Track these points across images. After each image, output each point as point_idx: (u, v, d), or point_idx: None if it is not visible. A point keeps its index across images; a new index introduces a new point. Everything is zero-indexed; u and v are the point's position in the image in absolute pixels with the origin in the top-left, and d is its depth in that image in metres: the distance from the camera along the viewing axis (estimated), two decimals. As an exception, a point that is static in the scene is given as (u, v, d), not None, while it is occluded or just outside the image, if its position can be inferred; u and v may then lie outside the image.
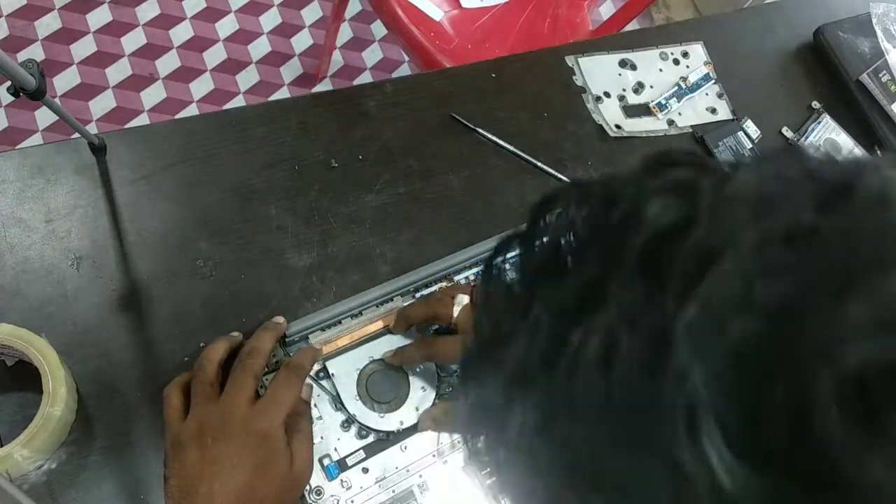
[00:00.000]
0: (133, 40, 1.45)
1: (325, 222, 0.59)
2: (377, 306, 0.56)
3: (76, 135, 0.53)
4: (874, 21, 0.87)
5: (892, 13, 0.88)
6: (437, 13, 1.10)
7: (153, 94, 1.42)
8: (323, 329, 0.54)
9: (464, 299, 0.52)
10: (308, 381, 0.51)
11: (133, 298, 0.53)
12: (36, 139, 1.32)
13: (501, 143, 0.67)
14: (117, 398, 0.50)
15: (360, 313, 0.55)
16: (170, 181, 0.57)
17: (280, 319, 0.53)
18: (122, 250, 0.54)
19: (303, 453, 0.47)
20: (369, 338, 0.55)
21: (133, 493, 0.48)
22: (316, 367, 0.53)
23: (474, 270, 0.60)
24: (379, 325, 0.55)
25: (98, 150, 0.55)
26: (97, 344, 0.51)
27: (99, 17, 1.45)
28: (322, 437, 0.51)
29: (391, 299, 0.56)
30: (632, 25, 1.18)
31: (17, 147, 1.07)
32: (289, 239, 0.58)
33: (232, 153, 0.60)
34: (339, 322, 0.54)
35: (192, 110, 1.44)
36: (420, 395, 0.54)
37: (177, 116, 1.41)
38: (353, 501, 0.50)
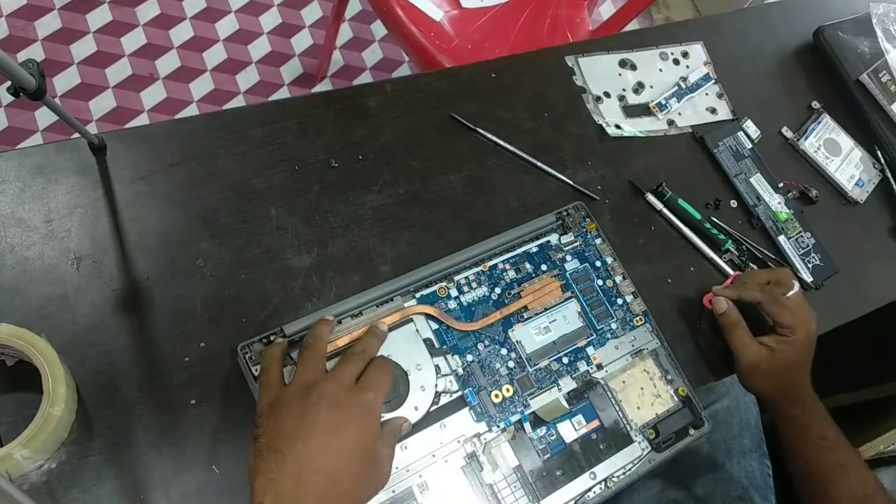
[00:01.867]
0: (133, 40, 1.45)
1: (325, 222, 0.59)
2: (377, 306, 0.56)
3: (76, 135, 0.53)
4: (874, 21, 0.87)
5: (892, 13, 0.88)
6: (437, 13, 1.10)
7: (153, 94, 1.42)
8: None
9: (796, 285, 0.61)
10: (407, 418, 0.52)
11: (133, 298, 0.53)
12: (36, 139, 1.32)
13: (501, 142, 0.67)
14: (117, 398, 0.50)
15: (361, 313, 0.55)
16: (170, 181, 0.57)
17: (384, 327, 0.54)
18: (122, 250, 0.54)
19: (388, 458, 0.48)
20: None
21: (133, 493, 0.48)
22: None
23: (474, 270, 0.60)
24: None
25: (98, 150, 0.55)
26: (97, 344, 0.51)
27: (99, 17, 1.45)
28: None
29: (391, 299, 0.57)
30: (632, 25, 1.18)
31: (17, 147, 1.06)
32: (289, 239, 0.58)
33: (232, 153, 0.60)
34: (339, 322, 0.55)
35: (192, 110, 1.44)
36: (419, 395, 0.54)
37: (177, 116, 1.41)
38: None
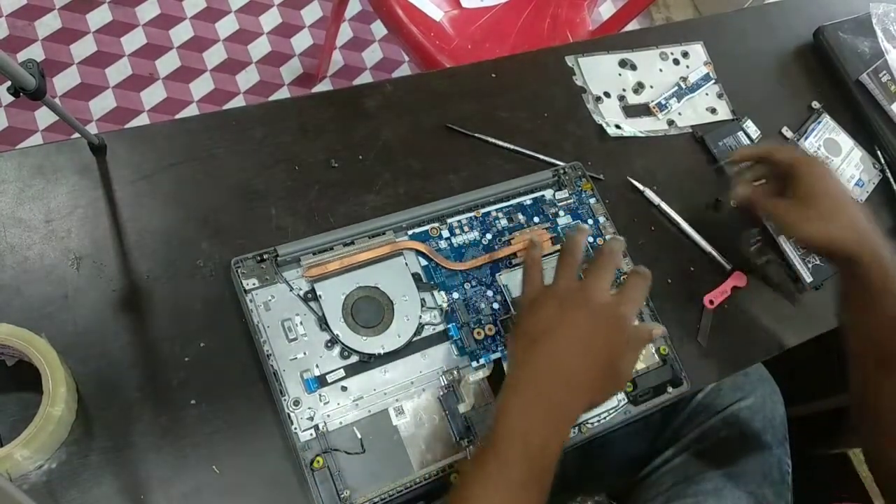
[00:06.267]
0: (133, 40, 1.45)
1: (325, 222, 0.59)
2: (368, 238, 0.58)
3: (76, 135, 0.53)
4: (874, 21, 0.87)
5: (892, 13, 0.88)
6: (437, 13, 1.10)
7: (153, 94, 1.42)
8: (315, 253, 0.56)
9: None
10: (661, 326, 0.53)
11: (133, 298, 0.53)
12: (36, 139, 1.32)
13: (500, 143, 0.67)
14: (117, 398, 0.50)
15: (353, 242, 0.57)
16: (170, 181, 0.57)
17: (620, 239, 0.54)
18: (122, 250, 0.54)
19: (631, 365, 0.50)
20: (358, 266, 0.57)
21: (133, 493, 0.48)
22: (305, 287, 0.55)
23: (467, 215, 0.62)
24: (368, 255, 0.57)
25: (98, 150, 0.55)
26: (97, 344, 0.51)
27: (99, 17, 1.45)
28: (305, 353, 0.53)
29: (383, 233, 0.58)
30: (632, 25, 1.18)
31: (17, 147, 1.07)
32: (289, 239, 0.58)
33: (232, 153, 0.60)
34: (331, 248, 0.57)
35: (192, 110, 1.44)
36: (403, 324, 0.56)
37: (177, 116, 1.41)
38: (328, 416, 0.52)
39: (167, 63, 1.45)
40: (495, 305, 0.59)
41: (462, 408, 0.55)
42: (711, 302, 0.66)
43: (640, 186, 0.69)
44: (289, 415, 0.51)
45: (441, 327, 0.57)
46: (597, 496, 0.82)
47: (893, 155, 0.80)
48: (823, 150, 0.79)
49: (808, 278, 0.71)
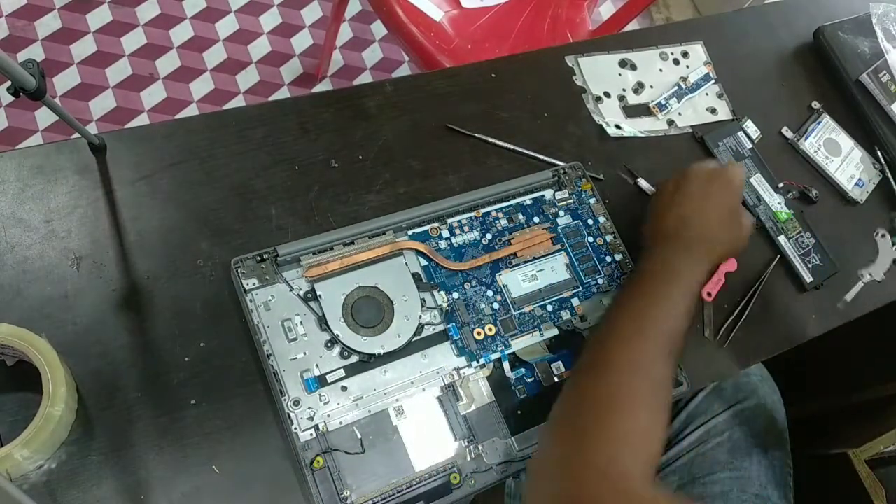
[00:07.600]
0: (133, 40, 1.45)
1: (325, 222, 0.59)
2: (369, 238, 0.58)
3: (76, 135, 0.53)
4: (874, 21, 0.87)
5: (892, 13, 0.88)
6: (437, 13, 1.10)
7: (153, 94, 1.42)
8: (315, 253, 0.56)
9: None
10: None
11: (133, 298, 0.53)
12: (36, 139, 1.32)
13: (501, 143, 0.67)
14: (117, 398, 0.50)
15: (353, 242, 0.57)
16: (170, 181, 0.57)
17: None
18: (122, 250, 0.54)
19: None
20: (358, 266, 0.57)
21: (133, 493, 0.48)
22: (305, 287, 0.55)
23: (467, 215, 0.62)
24: (368, 255, 0.57)
25: (98, 150, 0.55)
26: (97, 344, 0.51)
27: (99, 17, 1.45)
28: (305, 353, 0.53)
29: (383, 233, 0.59)
30: (632, 25, 1.18)
31: (17, 147, 1.06)
32: (289, 239, 0.58)
33: (232, 153, 0.60)
34: (332, 248, 0.57)
35: (192, 110, 1.44)
36: (403, 324, 0.56)
37: (177, 116, 1.41)
38: (329, 416, 0.52)
39: (167, 63, 1.45)
40: (495, 305, 0.59)
41: (462, 408, 0.55)
42: (709, 294, 0.66)
43: (643, 184, 0.69)
44: (289, 415, 0.51)
45: (441, 327, 0.57)
46: None
47: (893, 155, 0.80)
48: (823, 150, 0.79)
49: (808, 278, 0.71)
